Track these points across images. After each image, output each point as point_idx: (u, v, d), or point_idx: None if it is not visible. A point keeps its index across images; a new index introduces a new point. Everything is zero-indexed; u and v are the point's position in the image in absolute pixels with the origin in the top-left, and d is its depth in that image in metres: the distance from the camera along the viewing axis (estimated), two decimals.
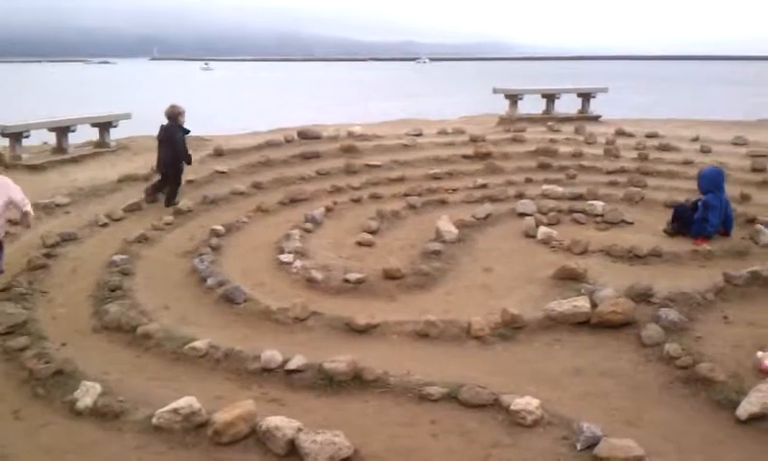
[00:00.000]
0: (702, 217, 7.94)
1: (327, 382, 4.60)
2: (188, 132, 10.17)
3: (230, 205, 9.56)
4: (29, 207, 6.83)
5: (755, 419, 4.05)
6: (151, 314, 5.94)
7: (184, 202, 9.22)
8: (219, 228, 8.13)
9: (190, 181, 10.32)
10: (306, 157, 11.74)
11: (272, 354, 4.85)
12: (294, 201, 9.64)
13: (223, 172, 10.88)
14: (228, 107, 38.77)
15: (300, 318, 5.72)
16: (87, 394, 4.36)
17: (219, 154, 11.82)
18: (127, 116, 13.56)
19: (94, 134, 13.22)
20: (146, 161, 11.49)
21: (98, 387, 4.43)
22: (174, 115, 9.91)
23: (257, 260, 7.42)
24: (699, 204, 8.06)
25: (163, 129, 9.92)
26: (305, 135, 12.75)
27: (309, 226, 8.46)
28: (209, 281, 6.58)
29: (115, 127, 13.35)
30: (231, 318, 5.97)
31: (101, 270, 7.02)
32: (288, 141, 12.44)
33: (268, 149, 12.09)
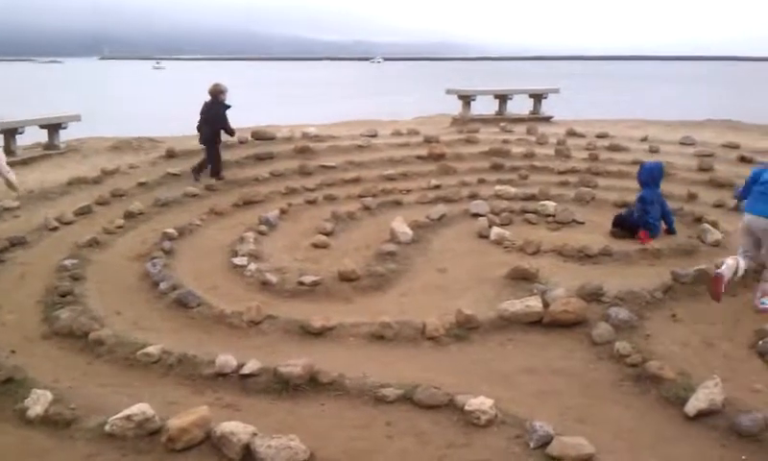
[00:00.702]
0: (642, 211, 8.14)
1: (283, 386, 4.59)
2: (229, 107, 11.03)
3: (183, 207, 9.48)
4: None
5: (702, 415, 4.16)
6: (102, 320, 5.85)
7: (135, 205, 9.09)
8: (171, 231, 8.05)
9: (142, 184, 10.21)
10: (260, 159, 11.68)
11: (226, 359, 4.83)
12: (248, 203, 9.60)
13: (175, 174, 10.79)
14: (181, 107, 38.30)
15: (255, 321, 5.70)
16: (38, 402, 4.29)
17: (171, 155, 11.71)
18: (76, 118, 13.33)
19: (43, 136, 12.95)
20: (96, 164, 11.33)
21: (49, 395, 4.35)
22: (215, 93, 10.96)
23: (211, 264, 7.37)
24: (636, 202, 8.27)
25: (206, 105, 10.96)
26: (259, 136, 12.68)
27: (263, 228, 8.42)
28: (162, 286, 6.52)
29: (65, 128, 13.10)
30: (185, 322, 5.92)
31: (51, 275, 6.89)
32: (241, 142, 12.36)
33: (221, 150, 11.98)
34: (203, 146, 11.03)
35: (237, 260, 7.21)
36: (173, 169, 10.89)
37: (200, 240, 8.17)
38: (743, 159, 11.87)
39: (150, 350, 5.09)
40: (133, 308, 6.25)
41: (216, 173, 10.87)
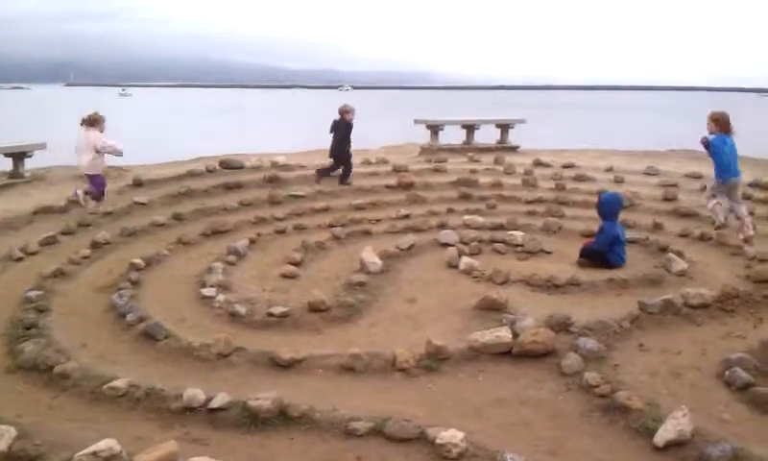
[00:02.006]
0: (605, 244, 8.29)
1: (252, 420, 4.54)
2: (352, 127, 12.95)
3: (150, 237, 9.37)
4: (109, 145, 10.60)
5: (671, 446, 4.18)
6: (68, 352, 5.73)
7: (102, 234, 8.98)
8: (138, 261, 7.95)
9: (108, 213, 10.10)
10: (229, 188, 11.63)
11: (194, 393, 4.76)
12: (216, 232, 9.51)
13: (142, 203, 10.68)
14: (148, 134, 38.05)
15: (224, 354, 5.64)
16: (2, 438, 4.17)
17: (138, 184, 11.61)
18: (42, 146, 13.17)
19: (7, 165, 12.77)
20: (62, 192, 11.18)
21: (13, 431, 4.23)
22: (342, 112, 12.95)
23: (178, 295, 7.29)
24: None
25: (334, 122, 12.91)
26: (228, 165, 12.64)
27: (232, 258, 8.36)
28: (129, 317, 6.42)
29: (30, 157, 12.94)
30: (152, 355, 5.82)
31: (15, 307, 6.75)
32: (210, 171, 12.31)
33: (189, 179, 11.93)
34: (333, 157, 12.82)
35: (205, 291, 7.14)
36: (140, 198, 10.78)
37: (167, 271, 8.08)
38: (706, 189, 12.06)
39: (116, 383, 5.01)
40: (100, 341, 6.15)
41: (343, 178, 12.53)
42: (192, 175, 12.10)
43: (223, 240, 9.14)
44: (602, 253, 8.28)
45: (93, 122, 10.68)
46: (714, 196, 9.52)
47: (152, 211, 10.36)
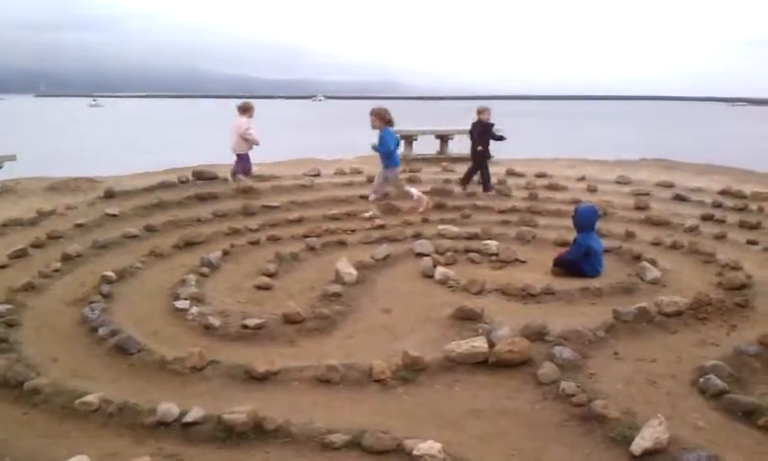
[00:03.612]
0: (579, 254, 8.35)
1: (227, 434, 4.48)
2: (492, 125, 13.23)
3: (122, 249, 9.25)
4: (248, 133, 13.15)
5: (648, 454, 4.19)
6: (39, 367, 5.63)
7: (73, 247, 8.85)
8: (110, 274, 7.85)
9: (79, 225, 9.96)
10: (202, 199, 11.54)
11: (168, 407, 4.69)
12: (189, 244, 9.42)
13: (114, 215, 10.54)
14: (119, 145, 37.76)
15: (197, 367, 5.56)
16: None
17: (109, 195, 11.47)
18: (12, 157, 13.00)
19: None
20: (32, 204, 11.03)
21: None
22: (478, 112, 13.17)
23: (151, 307, 7.19)
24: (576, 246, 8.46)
25: (473, 125, 13.23)
26: (201, 176, 12.55)
27: (206, 270, 8.28)
28: (101, 331, 6.32)
29: (0, 168, 12.77)
30: (125, 369, 5.73)
31: None
32: (183, 182, 12.21)
33: (161, 190, 11.82)
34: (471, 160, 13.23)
35: (179, 304, 7.05)
36: (112, 210, 10.65)
37: (140, 283, 7.98)
38: (678, 198, 12.24)
39: (89, 398, 4.91)
40: (71, 355, 6.04)
41: (486, 185, 12.84)
42: (165, 186, 11.99)
43: (196, 252, 9.05)
44: (576, 263, 8.32)
45: (243, 110, 13.33)
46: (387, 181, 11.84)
47: (124, 223, 10.23)
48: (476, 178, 13.08)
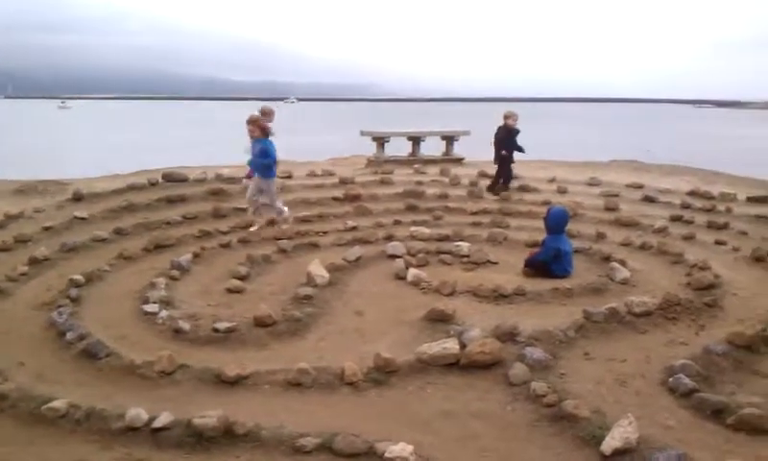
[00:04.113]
0: (549, 256, 8.41)
1: (196, 439, 4.43)
2: (518, 132, 13.22)
3: (91, 252, 9.12)
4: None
5: (618, 453, 4.21)
6: (5, 373, 5.52)
7: (41, 250, 8.72)
8: (78, 277, 7.74)
9: (47, 228, 9.82)
10: (172, 201, 11.43)
11: (136, 412, 4.63)
12: (159, 247, 9.32)
13: (82, 218, 10.40)
14: (88, 147, 37.31)
15: (167, 372, 5.49)
16: None
17: (78, 198, 11.32)
18: None
19: None
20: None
21: None
22: (504, 118, 13.25)
23: (120, 311, 7.09)
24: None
25: (498, 129, 13.28)
26: (171, 178, 12.44)
27: (175, 273, 8.19)
28: (68, 336, 6.22)
29: None
30: (93, 374, 5.64)
31: None
32: (152, 184, 12.09)
33: (131, 192, 11.69)
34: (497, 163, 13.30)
35: (148, 307, 6.97)
36: (80, 212, 10.51)
37: (108, 287, 7.87)
38: (647, 199, 12.37)
39: (56, 404, 4.84)
40: (38, 360, 5.94)
41: (505, 182, 13.12)
42: (134, 188, 11.87)
43: (166, 255, 8.95)
44: (546, 264, 8.37)
45: (262, 114, 13.20)
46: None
47: (92, 226, 10.10)
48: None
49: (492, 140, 13.34)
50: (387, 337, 6.42)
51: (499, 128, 13.27)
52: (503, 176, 13.20)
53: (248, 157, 10.84)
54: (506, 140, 13.10)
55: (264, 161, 10.45)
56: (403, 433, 4.47)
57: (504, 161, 13.13)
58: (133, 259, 8.86)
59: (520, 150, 13.24)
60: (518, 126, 13.37)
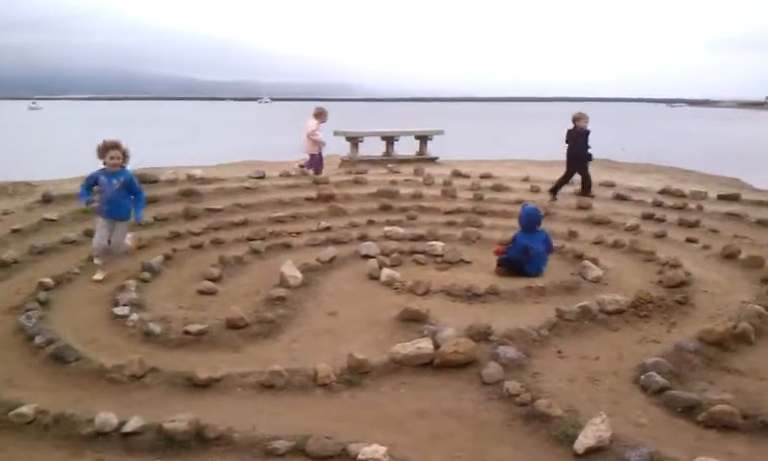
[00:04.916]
0: (519, 253, 8.46)
1: (167, 443, 4.37)
2: (589, 133, 12.78)
3: (61, 255, 8.98)
4: (314, 134, 14.67)
5: (591, 452, 4.22)
6: None
7: (9, 253, 8.58)
8: (48, 280, 7.61)
9: (16, 230, 9.66)
10: None
11: (106, 417, 4.56)
12: None
13: (52, 220, 10.25)
14: (58, 148, 36.82)
15: (137, 375, 5.42)
16: None
17: (47, 200, 11.16)
18: None
19: None
20: None
21: None
22: (574, 120, 12.87)
23: (90, 315, 6.99)
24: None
25: (568, 132, 12.90)
26: (141, 179, 12.21)
27: (146, 275, 8.10)
28: (37, 340, 6.11)
29: None
30: (62, 379, 5.55)
31: None
32: None
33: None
34: (569, 168, 12.88)
35: (118, 310, 6.88)
36: (50, 214, 10.35)
37: (78, 290, 7.76)
38: (619, 197, 12.46)
39: (23, 410, 4.74)
40: (6, 365, 5.82)
41: (585, 189, 12.65)
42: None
43: (137, 256, 8.83)
44: (518, 261, 8.39)
45: (316, 114, 15.00)
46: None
47: (62, 228, 9.95)
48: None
49: (567, 143, 12.99)
50: (360, 338, 6.40)
51: (569, 131, 12.93)
52: (584, 180, 12.79)
53: (85, 196, 8.48)
54: (577, 143, 12.75)
55: (140, 196, 8.57)
56: (377, 434, 4.44)
57: (576, 163, 12.75)
58: None
59: (589, 157, 12.84)
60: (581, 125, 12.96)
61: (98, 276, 8.09)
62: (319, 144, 14.90)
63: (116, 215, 8.30)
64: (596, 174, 14.57)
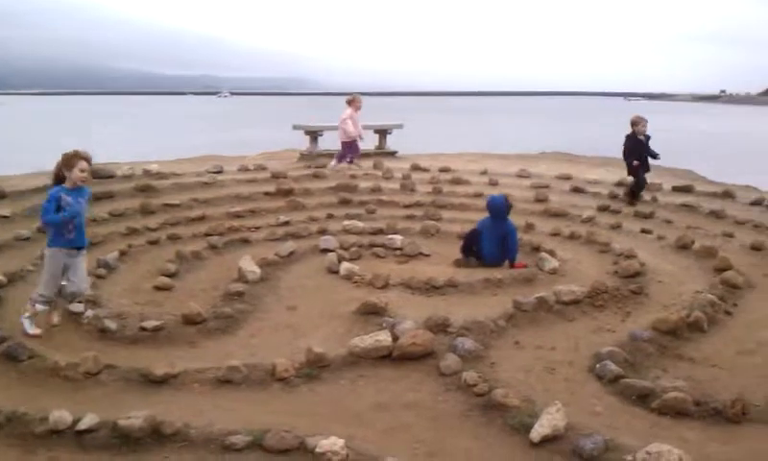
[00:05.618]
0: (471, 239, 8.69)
1: (123, 441, 4.32)
2: (648, 138, 12.07)
3: (14, 252, 8.77)
4: (345, 124, 14.75)
5: (547, 440, 4.28)
6: None
7: None
8: (1, 278, 7.46)
9: None
10: (98, 198, 11.05)
11: (60, 415, 4.49)
12: None
13: (5, 216, 10.03)
14: (11, 143, 36.10)
15: (92, 372, 5.34)
16: None
17: (0, 196, 10.93)
18: None
19: None
20: None
21: None
22: (632, 124, 12.13)
23: (44, 312, 6.86)
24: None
25: (626, 138, 12.17)
26: (97, 174, 12.08)
27: (102, 271, 7.98)
28: None
29: None
30: (15, 377, 5.44)
31: None
32: None
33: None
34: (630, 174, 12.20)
35: (73, 307, 6.76)
36: (2, 211, 10.13)
37: (32, 287, 7.53)
38: (575, 189, 12.60)
39: None
40: None
41: (634, 194, 11.87)
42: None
43: (92, 253, 8.61)
44: (469, 243, 8.66)
45: (348, 102, 15.08)
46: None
47: (15, 225, 9.73)
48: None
49: (623, 150, 12.22)
50: (319, 331, 6.40)
51: (627, 136, 12.20)
52: (639, 184, 11.99)
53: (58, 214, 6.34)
54: (634, 150, 11.99)
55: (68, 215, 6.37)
56: (335, 427, 4.44)
57: (633, 171, 12.02)
58: None
59: (654, 156, 12.14)
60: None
61: (56, 319, 6.54)
62: (348, 134, 14.94)
63: (83, 243, 6.60)
64: (553, 167, 14.75)
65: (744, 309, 7.04)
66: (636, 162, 11.91)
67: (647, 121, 12.17)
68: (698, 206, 11.22)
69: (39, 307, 6.34)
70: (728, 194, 12.03)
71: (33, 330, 6.24)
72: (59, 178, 6.45)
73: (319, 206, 11.55)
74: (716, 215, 10.70)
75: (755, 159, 26.03)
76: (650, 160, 12.16)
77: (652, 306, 7.03)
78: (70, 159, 6.44)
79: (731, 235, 9.58)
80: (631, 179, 12.14)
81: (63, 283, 6.50)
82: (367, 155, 16.10)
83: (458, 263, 8.57)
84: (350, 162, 14.86)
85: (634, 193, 11.90)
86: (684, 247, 9.02)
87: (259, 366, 5.42)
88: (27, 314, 6.32)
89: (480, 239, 8.57)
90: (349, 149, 15.02)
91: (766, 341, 6.16)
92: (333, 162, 14.76)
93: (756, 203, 11.37)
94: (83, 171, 6.49)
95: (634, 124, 12.12)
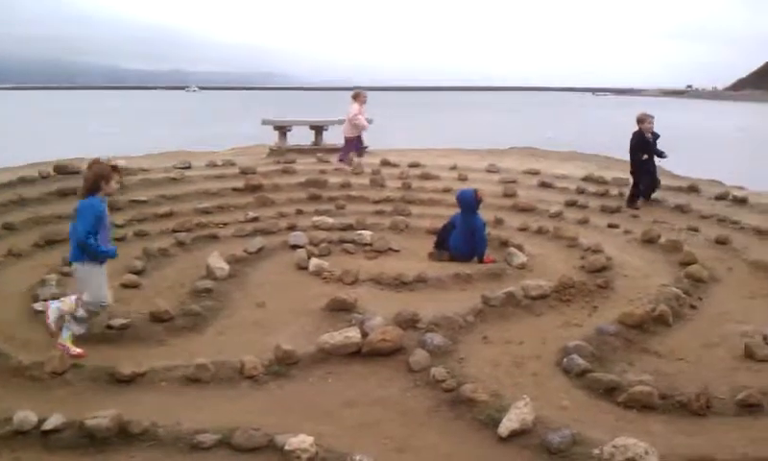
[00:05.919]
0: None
1: (89, 441, 4.29)
2: (658, 137, 11.59)
3: None
4: (356, 118, 14.72)
5: (515, 435, 4.32)
6: None
7: None
8: None
9: None
10: (64, 195, 10.95)
11: (25, 415, 4.43)
12: (50, 242, 8.92)
13: None
14: None
15: (58, 372, 5.28)
16: None
17: None
18: None
19: None
20: None
21: None
22: (638, 121, 11.56)
23: (9, 310, 6.76)
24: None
25: (633, 135, 11.58)
26: (63, 170, 11.94)
27: (68, 269, 7.86)
28: None
29: None
30: None
31: None
32: (44, 177, 11.57)
33: (21, 186, 11.14)
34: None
35: (38, 306, 6.66)
36: None
37: None
38: (543, 185, 12.68)
39: None
40: None
41: (647, 193, 11.47)
42: (24, 181, 11.33)
43: (57, 250, 8.58)
44: (441, 233, 8.82)
45: (354, 97, 15.09)
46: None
47: None
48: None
49: (632, 149, 11.57)
50: (288, 328, 6.38)
51: (633, 134, 11.59)
52: (642, 185, 11.46)
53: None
54: (638, 147, 11.46)
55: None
56: (304, 425, 4.45)
57: (641, 169, 11.49)
58: (24, 256, 8.50)
59: (660, 155, 11.57)
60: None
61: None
62: (360, 128, 15.11)
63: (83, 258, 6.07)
64: (521, 162, 14.82)
65: (709, 303, 7.15)
66: (645, 156, 11.41)
67: (654, 118, 11.63)
68: (664, 201, 11.37)
69: (76, 329, 5.89)
70: (693, 188, 12.17)
71: (75, 351, 5.72)
72: (93, 188, 6.11)
73: (288, 202, 11.50)
74: (681, 210, 10.83)
75: (720, 154, 26.43)
76: (655, 159, 11.63)
77: (618, 301, 7.11)
78: (109, 173, 6.20)
79: (696, 229, 9.71)
80: (631, 179, 11.75)
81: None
82: (336, 150, 16.04)
83: (431, 256, 8.62)
84: (358, 156, 14.86)
85: (634, 197, 11.44)
86: (650, 241, 9.13)
87: (228, 364, 5.39)
88: (69, 327, 5.85)
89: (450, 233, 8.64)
90: (353, 144, 15.11)
91: (730, 334, 6.25)
92: (340, 159, 14.66)
93: (721, 197, 11.51)
94: (117, 183, 6.62)
95: (640, 121, 11.56)
